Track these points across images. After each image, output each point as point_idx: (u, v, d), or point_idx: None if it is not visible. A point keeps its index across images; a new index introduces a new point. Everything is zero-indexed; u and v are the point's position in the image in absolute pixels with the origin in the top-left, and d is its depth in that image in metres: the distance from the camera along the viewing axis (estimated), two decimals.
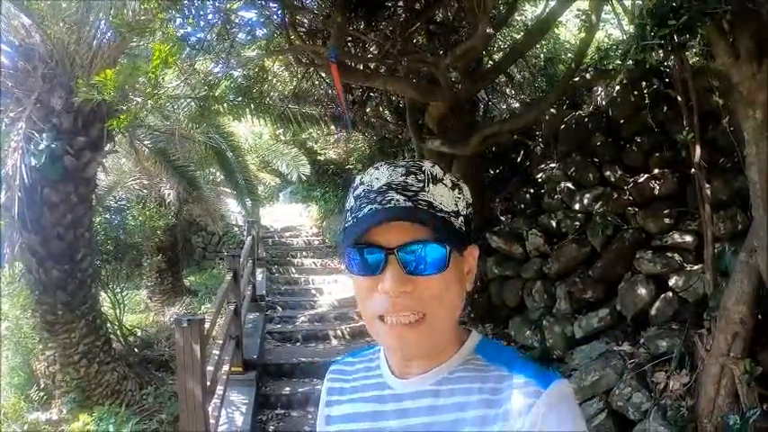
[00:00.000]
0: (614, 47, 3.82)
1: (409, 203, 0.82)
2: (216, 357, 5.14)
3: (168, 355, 6.90)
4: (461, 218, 0.86)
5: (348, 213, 0.89)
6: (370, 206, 0.83)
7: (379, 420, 0.91)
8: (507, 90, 9.58)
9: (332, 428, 0.98)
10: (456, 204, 0.85)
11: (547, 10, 5.73)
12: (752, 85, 3.21)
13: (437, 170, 0.87)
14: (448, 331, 0.88)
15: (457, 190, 0.87)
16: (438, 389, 0.87)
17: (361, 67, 5.93)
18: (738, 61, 3.22)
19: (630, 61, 3.59)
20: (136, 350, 6.89)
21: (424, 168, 0.86)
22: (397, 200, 0.82)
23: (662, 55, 4.04)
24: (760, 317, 3.59)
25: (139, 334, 7.38)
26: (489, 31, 4.81)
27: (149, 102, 4.70)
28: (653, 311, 4.92)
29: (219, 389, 5.27)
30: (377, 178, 0.86)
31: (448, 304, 0.85)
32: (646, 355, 4.59)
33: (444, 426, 0.84)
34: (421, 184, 0.84)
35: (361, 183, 0.88)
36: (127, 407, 5.52)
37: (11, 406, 4.95)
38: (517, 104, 9.58)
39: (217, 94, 5.64)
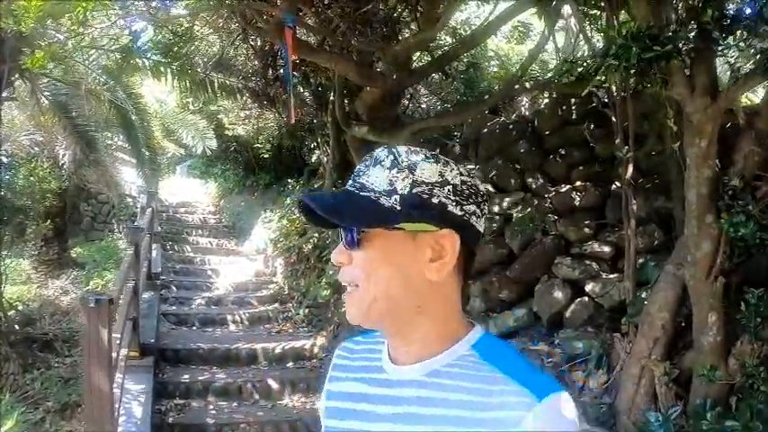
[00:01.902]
0: (576, 63, 4.01)
1: (348, 186, 0.90)
2: (118, 340, 4.68)
3: (53, 334, 6.12)
4: (397, 196, 0.85)
5: None
6: None
7: (368, 402, 0.92)
8: (422, 89, 9.76)
9: (329, 404, 1.00)
10: (391, 183, 0.86)
11: (492, 17, 5.86)
12: (703, 118, 3.51)
13: (382, 153, 0.89)
14: (414, 315, 0.88)
15: (396, 170, 0.86)
16: (427, 381, 0.87)
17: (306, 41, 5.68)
18: (693, 94, 3.51)
19: (591, 78, 3.79)
20: (17, 327, 6.01)
21: (374, 153, 0.90)
22: (349, 183, 0.90)
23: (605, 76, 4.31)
24: (683, 324, 3.96)
25: (20, 308, 6.46)
26: (448, 26, 4.81)
27: (70, 42, 4.13)
28: (568, 314, 5.24)
29: (118, 376, 4.79)
30: None
31: (377, 283, 0.86)
32: (563, 356, 4.88)
33: (428, 419, 0.84)
34: (366, 168, 0.89)
35: None
36: (10, 393, 4.78)
37: None
38: (425, 104, 9.82)
39: (143, 46, 5.06)
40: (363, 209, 0.86)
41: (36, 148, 7.48)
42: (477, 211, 0.90)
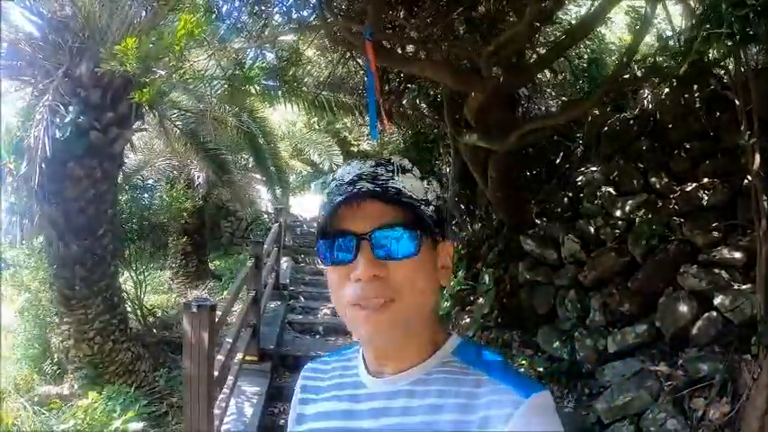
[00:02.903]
0: (674, 39, 3.48)
1: (378, 189, 0.84)
2: (228, 345, 5.02)
3: None
4: (432, 207, 0.87)
5: (321, 211, 0.90)
6: (341, 197, 0.85)
7: (352, 419, 0.90)
8: (547, 90, 9.20)
9: (303, 428, 0.97)
10: (426, 194, 0.87)
11: (596, 4, 5.36)
12: None
13: (406, 162, 0.90)
14: (421, 326, 0.88)
15: (426, 182, 0.89)
16: (413, 389, 0.87)
17: (399, 51, 5.70)
18: None
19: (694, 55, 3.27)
20: (154, 330, 6.85)
21: (392, 161, 0.89)
22: (368, 186, 0.85)
23: (721, 51, 3.70)
24: None
25: (159, 314, 7.36)
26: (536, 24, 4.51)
27: (174, 76, 4.56)
28: (694, 331, 4.55)
29: (230, 378, 5.14)
30: (348, 172, 0.89)
31: (419, 293, 0.85)
32: (684, 379, 4.23)
33: (417, 427, 0.84)
34: (390, 174, 0.87)
35: (333, 179, 0.91)
36: (138, 387, 5.44)
37: (23, 377, 4.96)
38: (557, 105, 9.19)
39: (250, 74, 5.43)
40: (419, 216, 0.85)
41: (174, 172, 8.52)
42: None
